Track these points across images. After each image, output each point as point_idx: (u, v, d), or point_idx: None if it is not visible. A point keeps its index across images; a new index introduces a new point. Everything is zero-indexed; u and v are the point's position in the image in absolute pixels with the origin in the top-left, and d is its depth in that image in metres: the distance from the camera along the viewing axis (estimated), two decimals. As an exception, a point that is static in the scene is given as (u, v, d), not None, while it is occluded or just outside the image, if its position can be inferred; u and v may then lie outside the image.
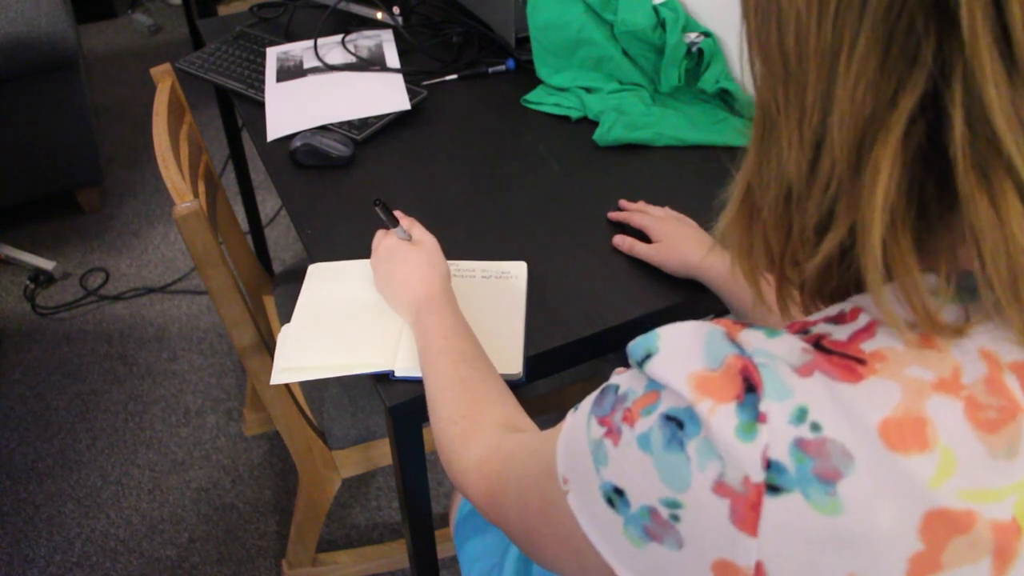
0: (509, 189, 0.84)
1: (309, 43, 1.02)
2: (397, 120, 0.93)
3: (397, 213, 0.66)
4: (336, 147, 0.85)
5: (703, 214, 0.76)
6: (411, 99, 0.93)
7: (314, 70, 0.97)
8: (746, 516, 0.27)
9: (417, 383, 0.60)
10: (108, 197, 1.76)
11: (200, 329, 1.49)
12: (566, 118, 0.95)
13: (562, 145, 0.91)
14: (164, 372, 1.41)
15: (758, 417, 0.27)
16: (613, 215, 0.78)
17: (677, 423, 0.28)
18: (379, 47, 1.02)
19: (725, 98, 0.93)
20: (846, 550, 0.26)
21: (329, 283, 0.68)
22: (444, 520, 1.16)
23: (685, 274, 0.68)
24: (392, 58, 1.00)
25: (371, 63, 0.98)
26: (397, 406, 0.60)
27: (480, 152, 0.90)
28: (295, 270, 0.68)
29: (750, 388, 0.27)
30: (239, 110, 0.95)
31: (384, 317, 0.64)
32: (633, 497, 0.30)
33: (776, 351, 0.28)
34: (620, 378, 0.32)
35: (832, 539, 0.26)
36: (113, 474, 1.24)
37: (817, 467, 0.26)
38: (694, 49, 0.91)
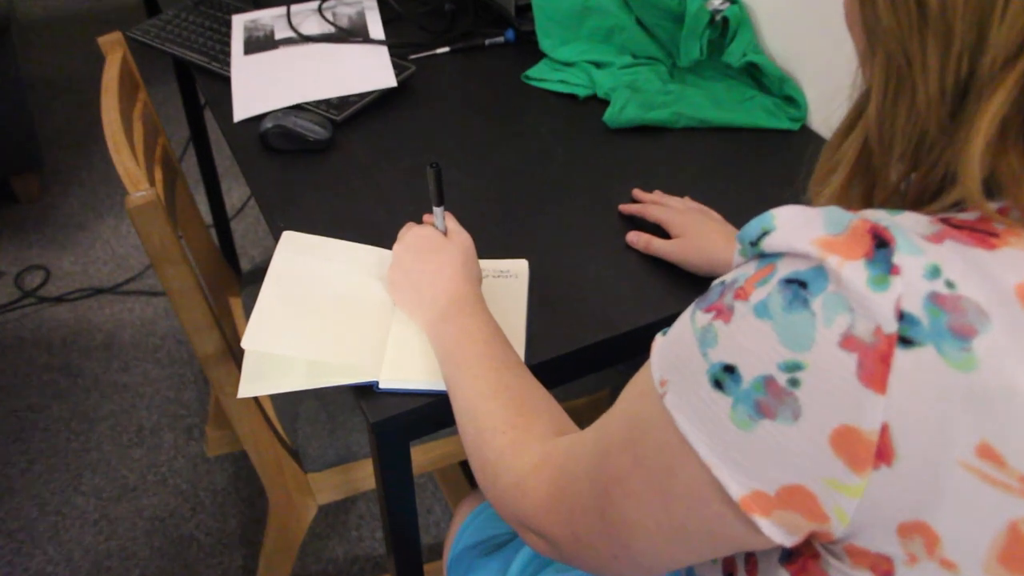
0: (508, 177, 0.84)
1: (281, 10, 1.02)
2: (381, 99, 0.93)
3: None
4: (312, 129, 0.86)
5: (728, 205, 0.77)
6: (397, 75, 0.94)
7: (287, 41, 0.98)
8: (875, 370, 0.28)
9: (405, 396, 0.60)
10: (48, 185, 1.74)
11: (156, 335, 1.49)
12: (572, 97, 0.95)
13: (568, 128, 0.91)
14: (114, 384, 1.41)
15: (891, 270, 0.29)
16: (626, 208, 0.79)
17: (799, 284, 0.30)
18: (361, 15, 1.02)
19: (753, 73, 0.95)
20: (980, 410, 0.27)
21: (305, 258, 0.69)
22: (434, 552, 1.16)
23: (710, 272, 0.69)
24: (376, 28, 1.00)
25: (352, 34, 0.99)
26: (382, 422, 0.60)
27: (475, 136, 0.90)
28: (265, 268, 0.68)
29: (881, 244, 0.29)
30: (201, 86, 0.95)
31: (370, 315, 0.65)
32: (746, 370, 0.31)
33: (903, 223, 0.31)
34: (722, 278, 0.35)
35: (965, 397, 0.27)
36: (52, 503, 1.23)
37: (952, 322, 0.28)
38: (718, 18, 0.91)
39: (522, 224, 0.78)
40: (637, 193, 0.81)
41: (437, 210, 0.64)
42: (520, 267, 0.71)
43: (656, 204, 0.77)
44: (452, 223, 0.66)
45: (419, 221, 0.70)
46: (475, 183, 0.83)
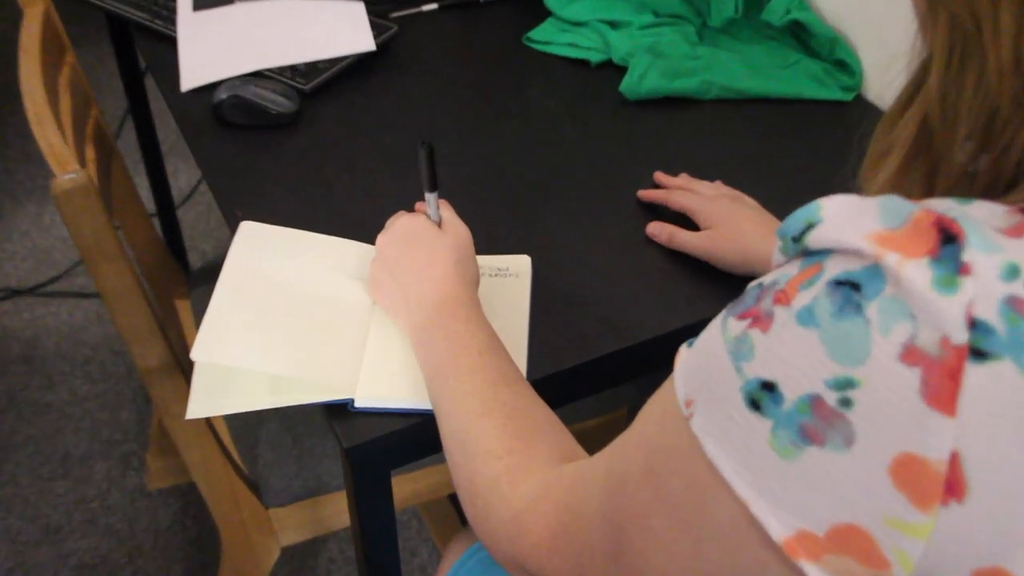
0: (506, 159, 0.85)
1: (238, -42, 1.03)
2: (358, 65, 0.93)
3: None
4: (275, 100, 0.87)
5: (767, 191, 0.77)
6: (376, 36, 0.94)
7: (245, -5, 0.98)
8: (942, 388, 0.28)
9: (386, 417, 0.61)
10: (-44, 165, 1.78)
11: (87, 345, 1.49)
12: (584, 63, 0.96)
13: (578, 99, 0.92)
14: (34, 404, 1.40)
15: (960, 268, 0.28)
16: (646, 194, 0.79)
17: (851, 286, 0.30)
18: (332, -35, 1.03)
19: (798, 34, 0.95)
20: None
21: (267, 254, 0.70)
22: (419, 604, 1.18)
23: (744, 269, 0.70)
24: (350, -20, 1.00)
25: (322, -13, 1.00)
26: (358, 448, 0.60)
27: (468, 110, 0.91)
28: (218, 265, 0.68)
29: (948, 240, 0.29)
30: (141, 48, 0.96)
31: (344, 321, 0.66)
32: (788, 388, 0.31)
33: (975, 214, 0.30)
34: (760, 279, 0.35)
35: None
36: (-46, 548, 1.21)
37: None
38: (756, -32, 0.93)
39: (523, 214, 0.79)
40: (659, 177, 0.81)
41: (430, 196, 0.65)
42: (521, 264, 0.72)
43: (682, 190, 0.78)
44: (448, 212, 0.66)
45: (407, 210, 0.70)
46: (468, 165, 0.84)
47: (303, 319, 0.66)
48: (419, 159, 0.63)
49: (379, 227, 0.69)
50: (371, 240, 0.71)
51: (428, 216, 0.66)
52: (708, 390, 0.34)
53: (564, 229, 0.77)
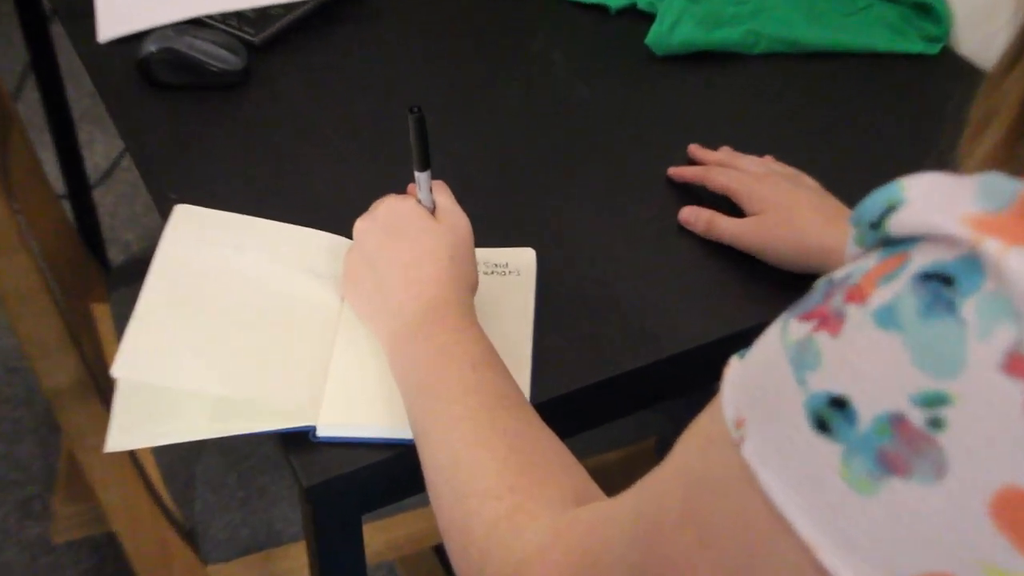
0: (505, 128, 0.85)
1: None
2: (320, 10, 0.94)
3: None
4: (218, 55, 0.86)
5: (832, 168, 0.77)
6: (342, -26, 0.95)
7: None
8: None
9: (356, 449, 0.62)
10: None
11: (-24, 360, 1.50)
12: (602, 10, 0.97)
13: (594, 55, 0.92)
14: None
15: None
16: (679, 172, 0.80)
17: (942, 279, 0.30)
18: None
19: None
20: None
21: (207, 246, 0.71)
22: None
23: (800, 264, 0.71)
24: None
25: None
26: (321, 487, 0.61)
27: (457, 65, 0.91)
28: (145, 260, 0.69)
29: None
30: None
31: (304, 330, 0.67)
32: (864, 404, 0.31)
33: None
34: (829, 274, 0.35)
35: None
36: None
37: None
38: None
39: (526, 197, 0.79)
40: (696, 151, 0.82)
41: (421, 177, 0.66)
42: (524, 259, 0.73)
43: (723, 167, 0.79)
44: (444, 198, 0.68)
45: (390, 192, 0.70)
46: (457, 137, 0.84)
47: (253, 326, 0.67)
48: (409, 131, 0.64)
49: (347, 213, 0.69)
50: (337, 229, 0.71)
51: (419, 201, 0.67)
52: (764, 408, 0.35)
53: (577, 216, 0.78)
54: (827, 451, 0.32)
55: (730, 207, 0.76)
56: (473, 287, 0.65)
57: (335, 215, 0.73)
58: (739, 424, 0.36)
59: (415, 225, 0.65)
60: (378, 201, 0.68)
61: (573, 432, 0.65)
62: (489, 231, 0.73)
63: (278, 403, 0.63)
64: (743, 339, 0.39)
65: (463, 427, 0.55)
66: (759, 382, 0.36)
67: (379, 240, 0.66)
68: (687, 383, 0.70)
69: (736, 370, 0.38)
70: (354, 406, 0.63)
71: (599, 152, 0.84)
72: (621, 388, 0.68)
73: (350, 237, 0.69)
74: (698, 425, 0.40)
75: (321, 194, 0.79)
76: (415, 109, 0.63)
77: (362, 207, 0.69)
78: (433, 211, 0.67)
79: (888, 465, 0.31)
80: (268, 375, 0.64)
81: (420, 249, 0.64)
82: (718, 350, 0.63)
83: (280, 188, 0.79)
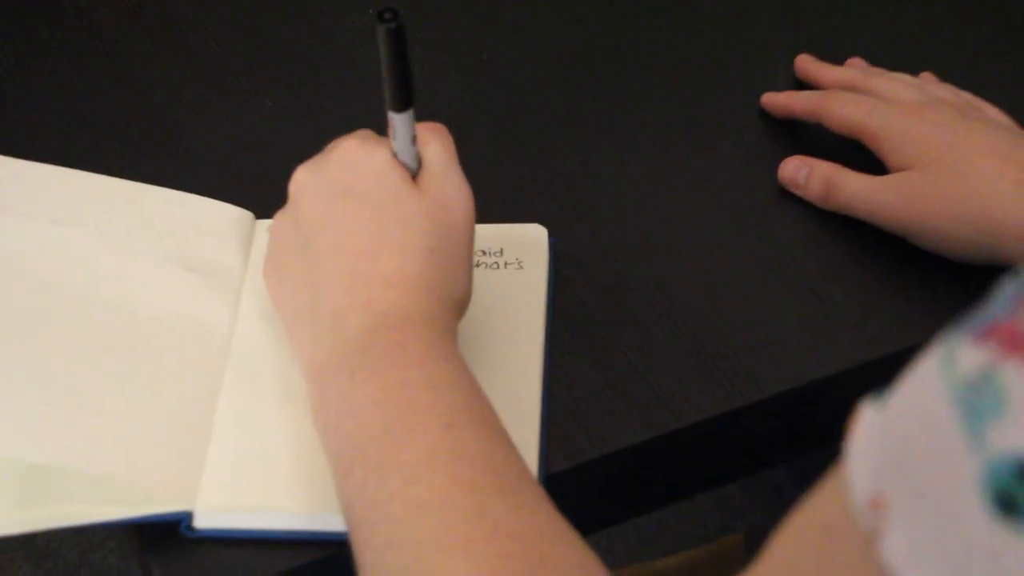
0: (513, 54, 0.85)
1: None
2: None
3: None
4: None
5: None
6: None
7: None
8: None
9: (251, 547, 0.61)
10: None
11: None
12: None
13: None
14: None
15: None
16: (778, 101, 0.80)
17: None
18: None
19: None
20: None
21: (8, 220, 0.72)
22: None
23: (974, 249, 0.71)
24: None
25: None
26: None
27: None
28: None
29: None
30: None
31: (172, 356, 0.66)
32: None
33: None
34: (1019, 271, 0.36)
35: None
36: None
37: None
38: None
39: (540, 149, 0.78)
40: (808, 66, 0.82)
41: (398, 119, 0.64)
42: (530, 243, 0.73)
43: (851, 91, 0.78)
44: (438, 152, 0.67)
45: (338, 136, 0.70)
46: (447, 72, 0.84)
47: (86, 352, 0.66)
48: (379, 48, 0.63)
49: (253, 178, 0.71)
50: (229, 196, 0.70)
51: (395, 153, 0.65)
52: (915, 479, 0.36)
53: (613, 177, 0.77)
54: (1016, 547, 0.32)
55: (861, 159, 0.74)
56: (460, 302, 0.64)
57: (234, 178, 0.74)
58: (876, 506, 0.36)
59: (382, 188, 0.64)
60: (335, 142, 0.67)
61: (606, 523, 0.67)
62: (486, 204, 0.71)
63: (129, 477, 0.62)
64: (878, 374, 0.40)
65: (428, 519, 0.54)
66: (907, 443, 0.36)
67: (322, 203, 0.65)
68: (790, 445, 0.70)
69: (871, 423, 0.38)
70: (251, 481, 0.62)
71: (648, 82, 0.83)
72: (684, 453, 0.67)
73: (261, 213, 0.69)
74: (809, 510, 0.41)
75: (210, 147, 0.79)
76: (387, 15, 0.61)
77: (278, 169, 0.68)
78: (416, 172, 0.65)
79: None
80: (112, 432, 0.63)
81: (384, 229, 0.63)
82: (837, 392, 0.64)
83: (126, 119, 0.80)
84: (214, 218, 0.72)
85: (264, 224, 0.72)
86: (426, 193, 0.65)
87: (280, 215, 0.68)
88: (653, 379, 0.67)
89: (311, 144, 0.69)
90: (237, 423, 0.65)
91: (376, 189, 0.65)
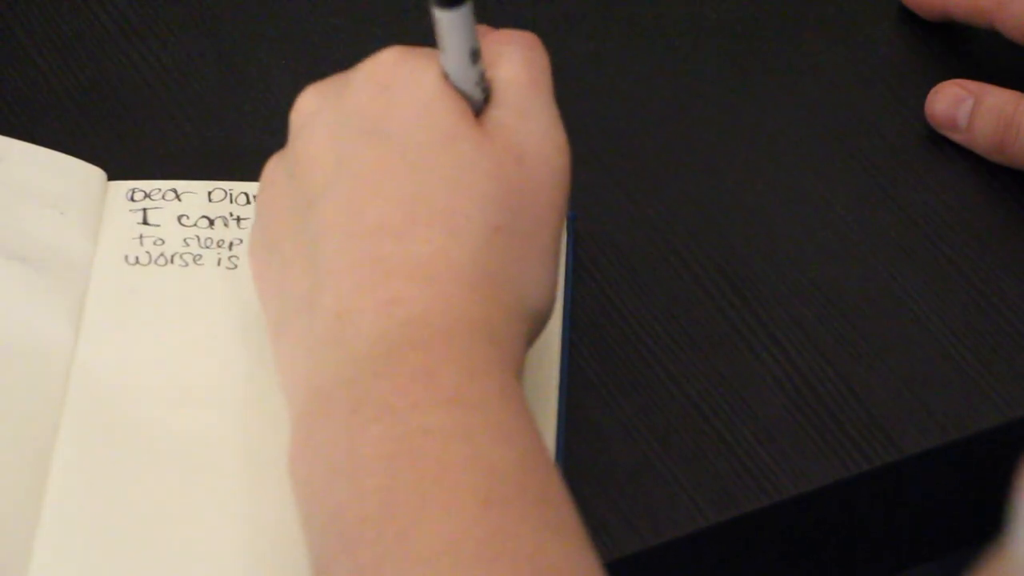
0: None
1: None
2: None
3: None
4: None
5: None
6: None
7: None
8: None
9: None
10: None
11: None
12: None
13: None
14: None
15: None
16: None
17: None
18: None
19: None
20: None
21: None
22: None
23: None
24: None
25: None
26: None
27: None
28: None
29: None
30: None
31: None
32: None
33: None
34: None
35: None
36: None
37: None
38: None
39: (579, 88, 0.73)
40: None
41: (446, 18, 0.55)
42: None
43: None
44: (517, 72, 0.59)
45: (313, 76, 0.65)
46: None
47: None
48: None
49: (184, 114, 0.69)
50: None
51: (447, 74, 0.57)
52: None
53: (671, 136, 0.72)
54: None
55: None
56: (536, 311, 0.56)
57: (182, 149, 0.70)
58: None
59: (425, 128, 0.55)
60: (366, 61, 0.59)
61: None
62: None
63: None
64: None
65: None
66: None
67: (335, 146, 0.57)
68: (944, 534, 0.64)
69: None
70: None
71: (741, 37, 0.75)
72: (782, 538, 0.62)
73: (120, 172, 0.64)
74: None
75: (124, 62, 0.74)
76: None
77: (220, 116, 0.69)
78: (482, 105, 0.56)
79: None
80: None
81: (423, 190, 0.55)
82: (1002, 449, 0.64)
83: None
84: (51, 180, 0.64)
85: (121, 188, 0.64)
86: (493, 139, 0.55)
87: (275, 160, 0.59)
88: (719, 431, 0.61)
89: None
90: (77, 496, 0.57)
91: (416, 129, 0.55)
